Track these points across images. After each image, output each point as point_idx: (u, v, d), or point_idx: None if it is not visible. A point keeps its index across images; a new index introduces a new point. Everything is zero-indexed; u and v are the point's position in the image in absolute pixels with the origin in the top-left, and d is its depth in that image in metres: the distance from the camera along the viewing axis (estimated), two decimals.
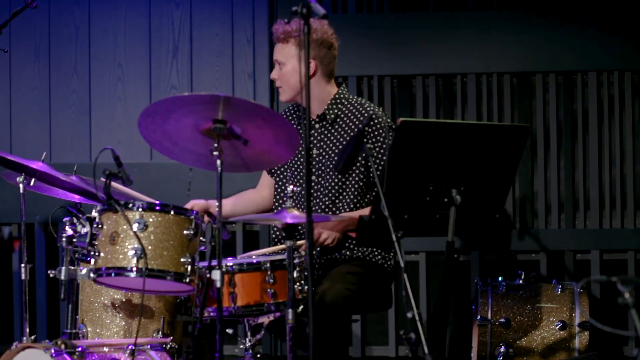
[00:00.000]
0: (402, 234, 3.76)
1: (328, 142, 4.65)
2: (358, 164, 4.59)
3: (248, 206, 4.86)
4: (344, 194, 4.60)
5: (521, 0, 5.97)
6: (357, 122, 4.58)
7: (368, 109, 4.62)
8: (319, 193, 4.62)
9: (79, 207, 4.19)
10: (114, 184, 3.99)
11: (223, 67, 6.10)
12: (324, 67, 4.62)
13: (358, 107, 4.64)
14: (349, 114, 4.63)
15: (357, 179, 4.60)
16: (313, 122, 4.69)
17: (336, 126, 4.64)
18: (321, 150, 4.66)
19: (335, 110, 4.65)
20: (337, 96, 4.66)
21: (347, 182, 4.60)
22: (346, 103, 4.66)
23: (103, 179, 3.94)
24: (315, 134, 4.68)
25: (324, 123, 4.66)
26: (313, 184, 4.63)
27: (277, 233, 4.74)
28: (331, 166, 4.61)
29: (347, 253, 4.61)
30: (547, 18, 5.92)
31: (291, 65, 4.58)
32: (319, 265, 4.61)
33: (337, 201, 4.60)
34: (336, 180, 4.60)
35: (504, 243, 5.95)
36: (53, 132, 6.14)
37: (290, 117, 4.77)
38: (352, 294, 4.42)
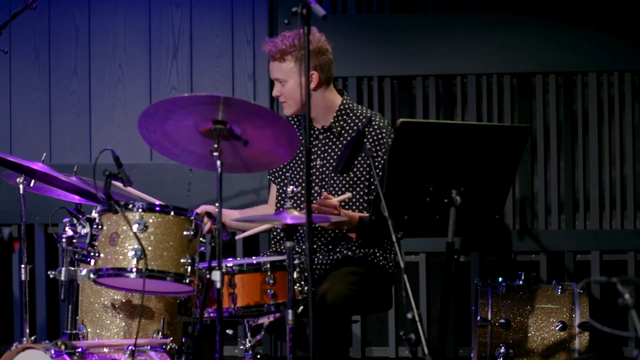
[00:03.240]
0: (402, 235, 3.76)
1: (332, 153, 4.64)
2: (363, 179, 4.58)
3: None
4: (346, 207, 4.58)
5: (521, 1, 5.97)
6: None
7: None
8: None
9: (79, 208, 4.19)
10: (129, 188, 3.99)
11: (223, 67, 6.09)
12: (324, 75, 4.60)
13: (363, 119, 4.62)
14: (354, 127, 4.62)
15: (361, 192, 4.59)
16: (317, 133, 4.68)
17: (341, 138, 4.63)
18: (325, 162, 4.64)
19: (342, 123, 4.64)
20: (342, 107, 4.65)
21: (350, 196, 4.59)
22: (351, 115, 4.64)
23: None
24: (319, 145, 4.66)
25: (328, 134, 4.65)
26: (315, 194, 4.62)
27: (279, 237, 4.74)
28: (334, 177, 4.60)
29: (349, 254, 4.61)
30: (547, 19, 5.92)
31: (293, 81, 4.55)
32: (320, 266, 4.60)
33: None
34: (339, 192, 4.58)
35: (504, 244, 5.95)
36: (53, 132, 6.14)
37: (296, 127, 4.76)
38: (354, 294, 4.41)
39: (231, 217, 4.64)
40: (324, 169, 4.64)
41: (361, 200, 4.59)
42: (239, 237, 4.42)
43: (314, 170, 4.65)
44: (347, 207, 4.57)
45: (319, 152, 4.66)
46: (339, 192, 4.58)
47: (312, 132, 4.67)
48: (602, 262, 5.89)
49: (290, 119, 4.78)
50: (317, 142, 4.67)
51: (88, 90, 6.14)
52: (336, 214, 4.31)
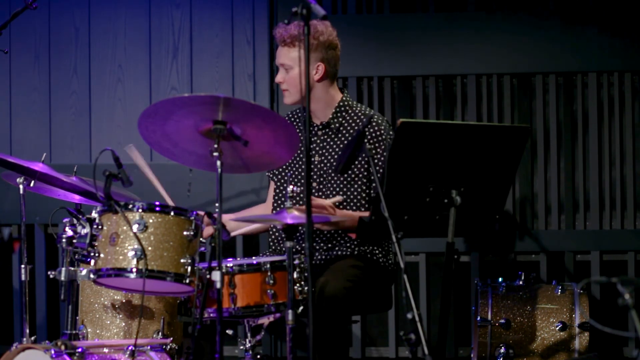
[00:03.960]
0: (402, 235, 3.76)
1: (330, 149, 4.64)
2: (361, 175, 4.58)
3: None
4: (343, 203, 4.58)
5: (521, 1, 5.97)
6: None
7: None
8: None
9: (79, 208, 4.19)
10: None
11: (223, 68, 6.09)
12: (331, 69, 4.61)
13: (362, 117, 4.63)
14: (353, 124, 4.62)
15: (359, 190, 4.59)
16: (316, 129, 4.68)
17: (339, 135, 4.64)
18: (322, 158, 4.65)
19: (340, 119, 4.64)
20: (341, 104, 4.65)
21: (348, 192, 4.58)
22: (350, 112, 4.65)
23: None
24: (318, 141, 4.67)
25: (327, 130, 4.66)
26: (314, 190, 4.62)
27: (277, 234, 4.74)
28: (332, 174, 4.60)
29: (348, 250, 4.61)
30: (547, 19, 5.92)
31: (299, 69, 4.55)
32: (319, 262, 4.60)
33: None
34: (337, 189, 4.59)
35: (504, 244, 5.95)
36: (53, 133, 6.14)
37: (294, 122, 4.77)
38: (353, 286, 4.41)
39: (229, 218, 4.65)
40: (322, 165, 4.64)
41: (359, 197, 4.59)
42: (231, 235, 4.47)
43: (312, 167, 4.65)
44: (344, 202, 4.57)
45: (317, 148, 4.66)
46: (337, 189, 4.58)
47: (311, 128, 4.67)
48: (602, 262, 5.89)
49: (289, 114, 4.78)
50: (315, 138, 4.67)
51: (88, 90, 6.14)
52: (327, 214, 4.31)
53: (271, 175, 4.81)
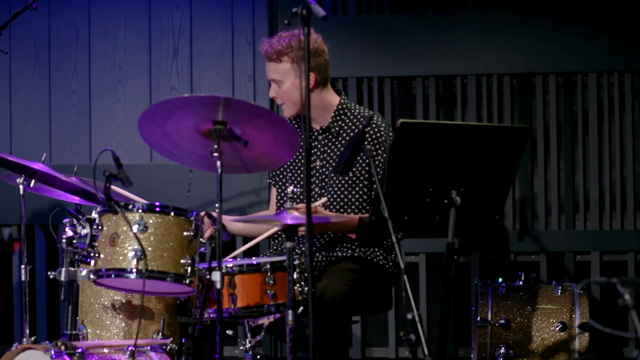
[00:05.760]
0: (402, 235, 3.76)
1: (331, 153, 4.64)
2: (362, 178, 4.58)
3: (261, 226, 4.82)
4: (345, 206, 4.58)
5: (521, 2, 5.97)
6: None
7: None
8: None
9: (79, 209, 4.19)
10: (115, 188, 3.99)
11: (223, 68, 6.09)
12: (321, 75, 4.59)
13: (361, 119, 4.62)
14: (352, 126, 4.62)
15: (360, 192, 4.59)
16: (316, 134, 4.67)
17: (340, 138, 4.63)
18: (324, 162, 4.64)
19: (340, 123, 4.63)
20: (339, 107, 4.64)
21: (350, 196, 4.58)
22: (349, 115, 4.64)
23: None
24: (319, 146, 4.66)
25: (327, 134, 4.65)
26: (315, 194, 4.62)
27: (279, 237, 4.74)
28: (334, 177, 4.60)
29: (348, 252, 4.61)
30: (547, 19, 5.92)
31: (290, 82, 4.54)
32: (319, 264, 4.60)
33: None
34: (339, 192, 4.59)
35: (504, 244, 5.95)
36: (53, 133, 6.14)
37: (295, 127, 4.76)
38: (352, 289, 4.41)
39: (232, 226, 4.66)
40: (324, 169, 4.64)
41: (360, 200, 4.59)
42: (242, 248, 4.55)
43: (314, 171, 4.64)
44: (345, 206, 4.58)
45: (318, 152, 4.65)
46: (338, 192, 4.58)
47: (311, 132, 4.67)
48: (602, 263, 5.89)
49: (289, 120, 4.78)
50: (316, 142, 4.67)
51: (88, 90, 6.14)
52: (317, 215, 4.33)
53: (272, 182, 4.80)
